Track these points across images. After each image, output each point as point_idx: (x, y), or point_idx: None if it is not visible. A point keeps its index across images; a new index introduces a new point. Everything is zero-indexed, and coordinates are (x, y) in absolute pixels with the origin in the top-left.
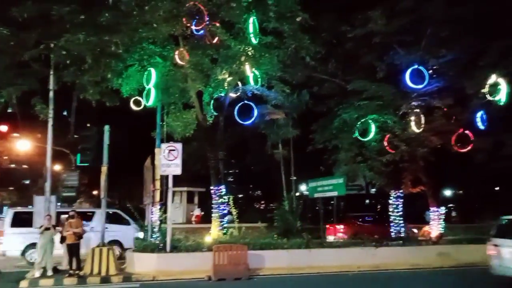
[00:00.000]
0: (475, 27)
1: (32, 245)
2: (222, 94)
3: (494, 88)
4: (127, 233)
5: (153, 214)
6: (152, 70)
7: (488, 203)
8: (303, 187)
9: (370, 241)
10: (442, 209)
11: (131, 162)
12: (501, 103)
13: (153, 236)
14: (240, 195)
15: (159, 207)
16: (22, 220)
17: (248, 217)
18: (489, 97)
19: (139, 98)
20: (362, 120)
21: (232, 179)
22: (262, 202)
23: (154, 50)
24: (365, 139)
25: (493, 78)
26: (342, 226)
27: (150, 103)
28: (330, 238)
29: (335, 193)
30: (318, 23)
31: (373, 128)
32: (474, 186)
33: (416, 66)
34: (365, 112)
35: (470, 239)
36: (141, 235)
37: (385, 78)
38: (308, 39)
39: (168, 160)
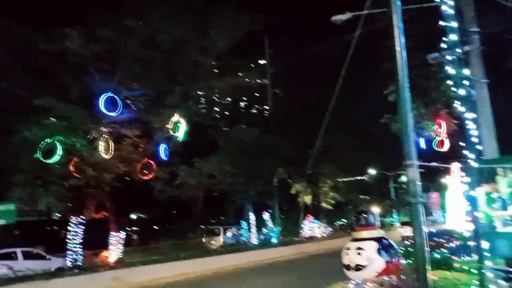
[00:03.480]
0: (164, 70)
1: None
2: None
3: (175, 125)
4: None
5: None
6: None
7: (164, 226)
8: None
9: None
10: (122, 234)
11: None
12: (180, 139)
13: None
14: None
15: None
16: None
17: None
18: (171, 133)
19: None
20: (48, 140)
21: None
22: None
23: None
24: (49, 161)
25: (175, 117)
26: None
27: None
28: None
29: (2, 221)
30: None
31: (59, 149)
32: (154, 210)
33: (110, 94)
34: (51, 132)
35: (144, 261)
36: None
37: (78, 100)
38: None
39: None
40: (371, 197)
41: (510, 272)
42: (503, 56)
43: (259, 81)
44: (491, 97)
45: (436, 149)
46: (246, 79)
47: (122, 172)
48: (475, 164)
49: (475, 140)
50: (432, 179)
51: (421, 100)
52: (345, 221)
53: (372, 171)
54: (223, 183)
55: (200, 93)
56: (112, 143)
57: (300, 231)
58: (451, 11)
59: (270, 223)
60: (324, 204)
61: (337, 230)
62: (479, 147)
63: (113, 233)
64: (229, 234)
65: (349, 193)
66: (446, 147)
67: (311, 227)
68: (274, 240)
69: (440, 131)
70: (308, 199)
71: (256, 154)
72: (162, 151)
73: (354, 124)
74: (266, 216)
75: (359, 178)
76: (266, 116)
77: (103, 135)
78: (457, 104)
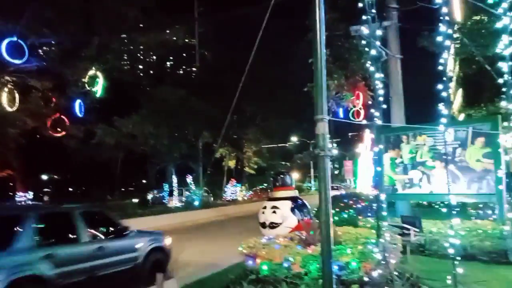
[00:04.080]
0: (81, 18)
1: None
2: None
3: (93, 80)
4: None
5: None
6: None
7: (80, 188)
8: None
9: None
10: (30, 194)
11: None
12: (97, 95)
13: None
14: None
15: None
16: None
17: None
18: (87, 87)
19: None
20: None
21: None
22: None
23: None
24: None
25: (93, 71)
26: None
27: None
28: None
29: None
30: None
31: None
32: (69, 171)
33: (15, 39)
34: None
35: None
36: None
37: None
38: None
39: None
40: (292, 164)
41: (404, 228)
42: (417, 35)
43: (186, 40)
44: (403, 72)
45: (353, 118)
46: (173, 37)
47: (30, 128)
48: (379, 122)
49: (381, 99)
50: (347, 148)
51: (342, 71)
52: (266, 185)
53: (294, 139)
54: (144, 145)
55: (122, 47)
56: (18, 94)
57: (223, 194)
58: None
59: (193, 186)
60: (247, 169)
61: (258, 193)
62: (383, 106)
63: (20, 193)
64: (149, 196)
65: (271, 159)
66: (361, 117)
67: (233, 190)
68: (196, 203)
69: (358, 102)
70: (232, 163)
71: (181, 116)
72: (77, 107)
73: (280, 92)
74: (189, 179)
75: (281, 145)
76: (193, 78)
77: (7, 85)
78: (368, 64)
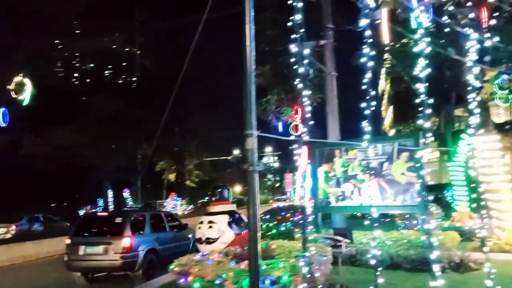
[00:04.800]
0: (6, 18)
1: None
2: None
3: (20, 87)
4: None
5: None
6: None
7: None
8: None
9: None
10: None
11: None
12: (25, 103)
13: None
14: None
15: None
16: None
17: None
18: (13, 95)
19: None
20: None
21: None
22: None
23: None
24: None
25: (19, 77)
26: None
27: None
28: None
29: None
30: None
31: None
32: None
33: None
34: None
35: None
36: None
37: None
38: None
39: None
40: (233, 176)
41: (336, 240)
42: (351, 54)
43: (127, 49)
44: (339, 89)
45: (292, 133)
46: (112, 45)
47: None
48: (306, 138)
49: (308, 115)
50: (288, 161)
51: (281, 86)
52: (207, 199)
53: (236, 151)
54: (79, 157)
55: (55, 53)
56: None
57: (163, 208)
58: (300, 4)
59: (130, 201)
60: (188, 182)
61: (199, 207)
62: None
63: None
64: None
65: (213, 172)
66: (300, 131)
67: (173, 204)
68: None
69: (296, 117)
70: (172, 176)
71: (119, 127)
72: (0, 115)
73: (223, 104)
74: (126, 193)
75: (224, 157)
76: (133, 88)
77: None
78: (297, 82)
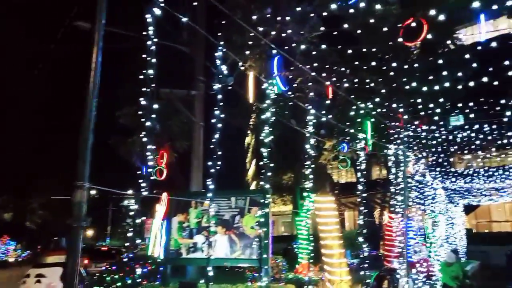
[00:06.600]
0: None
1: None
2: None
3: None
4: None
5: None
6: None
7: None
8: None
9: None
10: None
11: None
12: None
13: None
14: None
15: None
16: None
17: None
18: None
19: None
20: None
21: None
22: None
23: None
24: None
25: None
26: None
27: None
28: None
29: None
30: None
31: None
32: None
33: None
34: None
35: None
36: None
37: None
38: None
39: None
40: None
41: None
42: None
43: None
44: (204, 138)
45: (155, 177)
46: None
47: None
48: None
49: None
50: (150, 206)
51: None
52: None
53: (92, 192)
54: None
55: None
56: None
57: None
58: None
59: None
60: (28, 223)
61: (39, 254)
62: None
63: None
64: None
65: (63, 213)
66: (163, 176)
67: (5, 250)
68: None
69: (162, 161)
70: (8, 216)
71: None
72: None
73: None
74: None
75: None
76: None
77: None
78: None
